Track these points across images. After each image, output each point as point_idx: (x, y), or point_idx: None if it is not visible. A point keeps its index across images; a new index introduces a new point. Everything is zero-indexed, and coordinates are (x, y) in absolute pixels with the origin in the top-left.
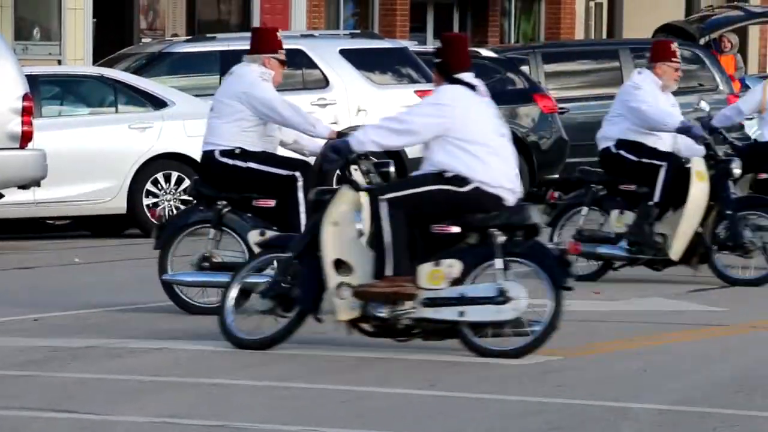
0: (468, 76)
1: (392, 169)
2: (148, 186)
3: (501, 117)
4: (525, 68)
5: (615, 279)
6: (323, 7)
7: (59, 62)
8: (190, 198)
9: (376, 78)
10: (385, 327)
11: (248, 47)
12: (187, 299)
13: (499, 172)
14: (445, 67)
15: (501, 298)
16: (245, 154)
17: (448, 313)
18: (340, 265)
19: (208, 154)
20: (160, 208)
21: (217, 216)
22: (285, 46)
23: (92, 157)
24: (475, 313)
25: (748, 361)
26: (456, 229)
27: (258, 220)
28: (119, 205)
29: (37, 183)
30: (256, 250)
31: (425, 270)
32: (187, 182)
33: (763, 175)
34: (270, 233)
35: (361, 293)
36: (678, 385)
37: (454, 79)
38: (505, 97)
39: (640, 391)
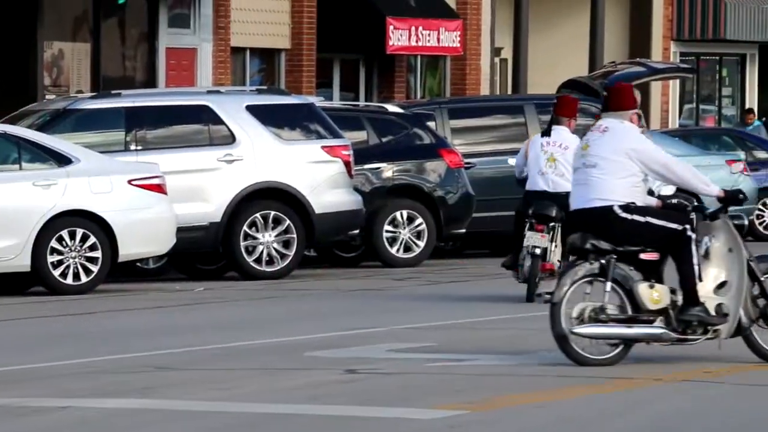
0: None
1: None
2: (53, 243)
3: None
4: (431, 124)
5: (525, 330)
6: (229, 63)
7: None
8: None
9: (283, 134)
10: None
11: (155, 103)
12: (582, 353)
13: None
14: None
15: None
16: (639, 209)
17: None
18: None
19: (604, 210)
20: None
21: (611, 269)
22: (190, 102)
23: None
24: None
25: (653, 414)
26: None
27: (643, 273)
28: (23, 262)
29: None
30: (646, 303)
31: None
32: (92, 239)
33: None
34: (658, 286)
35: None
36: None
37: None
38: (411, 152)
39: None
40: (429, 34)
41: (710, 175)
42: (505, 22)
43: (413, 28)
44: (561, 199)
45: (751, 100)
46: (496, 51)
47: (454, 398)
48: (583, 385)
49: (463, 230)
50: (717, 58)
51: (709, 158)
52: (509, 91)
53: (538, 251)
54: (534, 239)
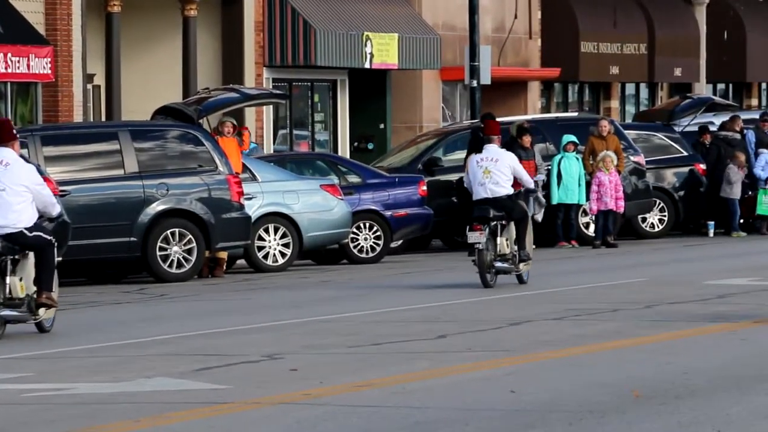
0: None
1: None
2: None
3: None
4: (24, 151)
5: (126, 357)
6: None
7: None
8: None
9: None
10: None
11: None
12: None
13: None
14: None
15: None
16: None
17: None
18: None
19: (504, 197)
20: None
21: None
22: None
23: None
24: None
25: None
26: None
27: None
28: None
29: None
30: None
31: None
32: None
33: None
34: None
35: None
36: None
37: None
38: None
39: None
40: (19, 61)
41: (305, 199)
42: (97, 49)
43: (2, 55)
44: (501, 201)
45: (344, 125)
46: (88, 77)
47: (47, 428)
48: (182, 411)
49: (60, 258)
50: (309, 84)
51: (304, 183)
52: (103, 118)
53: (480, 246)
54: (474, 237)
